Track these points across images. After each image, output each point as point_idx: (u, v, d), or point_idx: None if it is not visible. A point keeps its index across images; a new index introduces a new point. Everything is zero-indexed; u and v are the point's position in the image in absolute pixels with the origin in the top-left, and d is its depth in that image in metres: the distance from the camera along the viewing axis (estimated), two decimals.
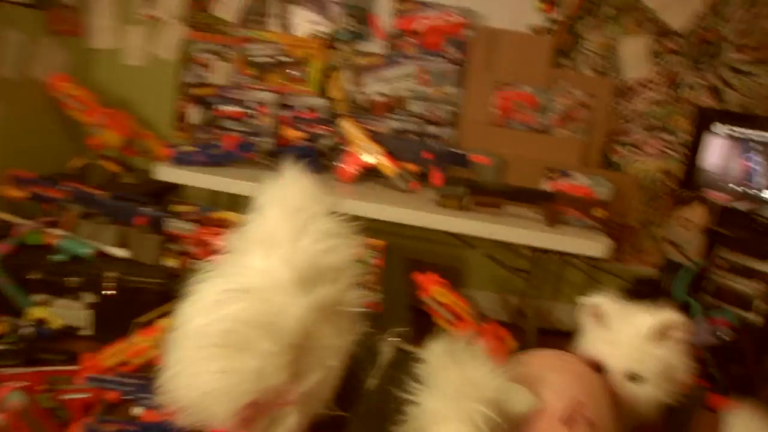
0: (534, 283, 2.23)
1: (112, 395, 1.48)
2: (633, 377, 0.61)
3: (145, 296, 1.75)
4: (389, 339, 0.61)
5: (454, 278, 2.47)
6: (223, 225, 1.86)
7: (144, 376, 1.57)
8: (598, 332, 0.65)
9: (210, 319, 0.49)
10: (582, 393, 0.58)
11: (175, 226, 1.83)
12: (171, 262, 1.83)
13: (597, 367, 0.64)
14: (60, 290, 1.75)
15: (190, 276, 0.57)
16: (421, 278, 1.86)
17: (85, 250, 1.81)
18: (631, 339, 0.61)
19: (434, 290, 1.86)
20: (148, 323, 1.65)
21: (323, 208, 0.59)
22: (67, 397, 1.45)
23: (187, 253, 1.82)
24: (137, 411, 1.44)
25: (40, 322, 1.72)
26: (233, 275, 0.52)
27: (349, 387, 0.53)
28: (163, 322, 1.64)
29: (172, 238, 1.84)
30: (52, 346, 1.67)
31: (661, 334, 0.62)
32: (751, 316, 1.97)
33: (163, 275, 1.79)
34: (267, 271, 0.50)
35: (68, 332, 1.77)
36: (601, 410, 0.58)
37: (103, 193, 1.95)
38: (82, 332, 1.79)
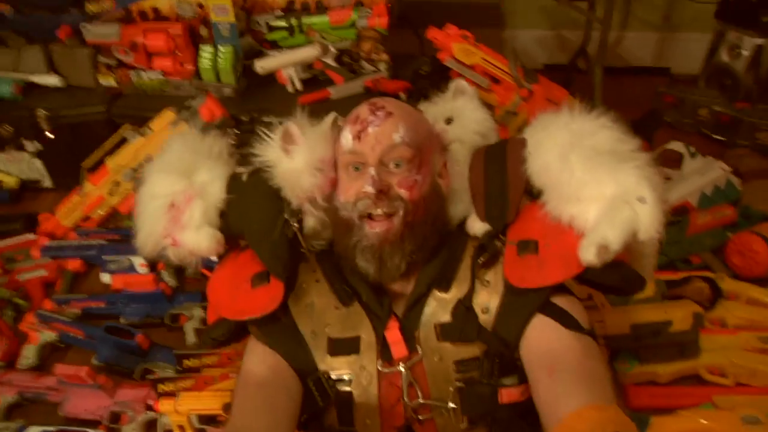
0: (597, 9, 1.59)
1: (73, 264, 1.20)
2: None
3: (92, 129, 1.38)
4: None
5: (490, 18, 1.89)
6: (155, 17, 1.37)
7: (110, 231, 1.27)
8: None
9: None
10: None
11: (96, 32, 1.35)
12: (108, 80, 1.39)
13: None
14: None
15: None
16: (436, 34, 1.34)
17: (6, 87, 1.40)
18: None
19: (457, 48, 1.35)
20: (96, 166, 1.30)
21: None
22: (25, 277, 1.19)
23: (122, 63, 1.37)
24: (106, 278, 1.16)
25: None
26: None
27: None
28: (110, 162, 1.28)
29: (99, 49, 1.37)
30: (11, 213, 1.38)
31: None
32: None
33: (103, 99, 1.38)
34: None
35: (30, 187, 1.47)
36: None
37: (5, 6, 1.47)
38: (43, 185, 1.48)
